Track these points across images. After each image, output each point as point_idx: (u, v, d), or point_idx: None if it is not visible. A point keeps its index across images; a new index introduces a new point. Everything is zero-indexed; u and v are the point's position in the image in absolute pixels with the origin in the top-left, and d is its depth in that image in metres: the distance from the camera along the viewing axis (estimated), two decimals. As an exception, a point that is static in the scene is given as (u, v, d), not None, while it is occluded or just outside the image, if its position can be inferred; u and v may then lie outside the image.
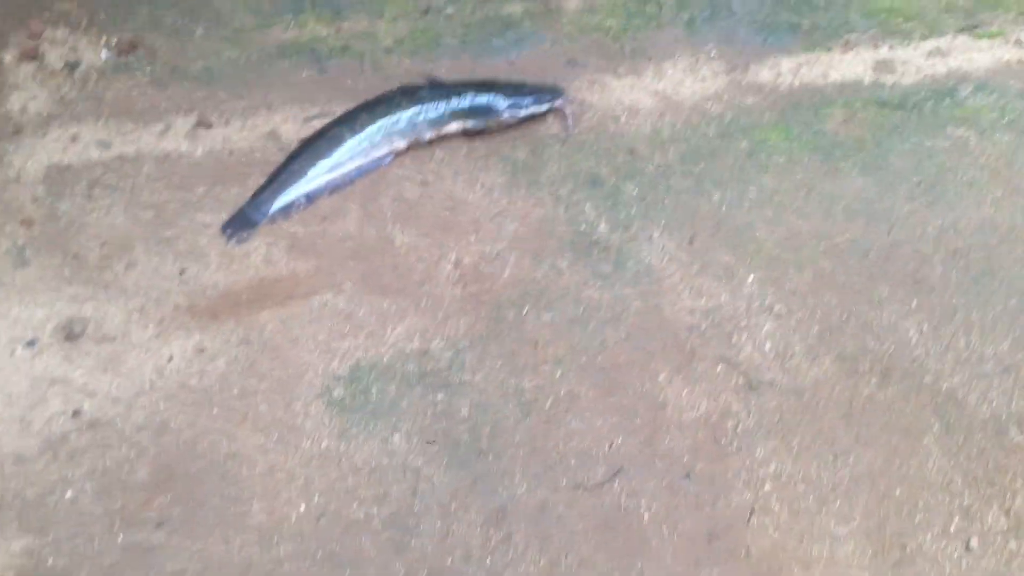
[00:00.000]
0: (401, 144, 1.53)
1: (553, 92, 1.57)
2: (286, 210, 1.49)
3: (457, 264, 1.45)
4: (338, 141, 1.51)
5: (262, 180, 1.52)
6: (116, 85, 1.62)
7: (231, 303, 1.41)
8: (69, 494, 1.26)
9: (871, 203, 1.53)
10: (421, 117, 1.52)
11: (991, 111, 1.63)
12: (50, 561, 1.21)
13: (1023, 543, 1.24)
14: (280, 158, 1.54)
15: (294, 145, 1.55)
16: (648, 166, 1.56)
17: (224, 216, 1.49)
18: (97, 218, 1.48)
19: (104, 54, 1.66)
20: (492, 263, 1.45)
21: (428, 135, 1.54)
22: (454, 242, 1.47)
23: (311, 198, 1.50)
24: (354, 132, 1.51)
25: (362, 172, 1.52)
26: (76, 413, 1.31)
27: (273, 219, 1.48)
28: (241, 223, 1.48)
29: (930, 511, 1.26)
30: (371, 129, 1.51)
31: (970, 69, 1.70)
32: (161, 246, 1.46)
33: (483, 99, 1.54)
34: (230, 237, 1.46)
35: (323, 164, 1.51)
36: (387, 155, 1.53)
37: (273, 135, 1.57)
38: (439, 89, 1.56)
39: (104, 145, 1.55)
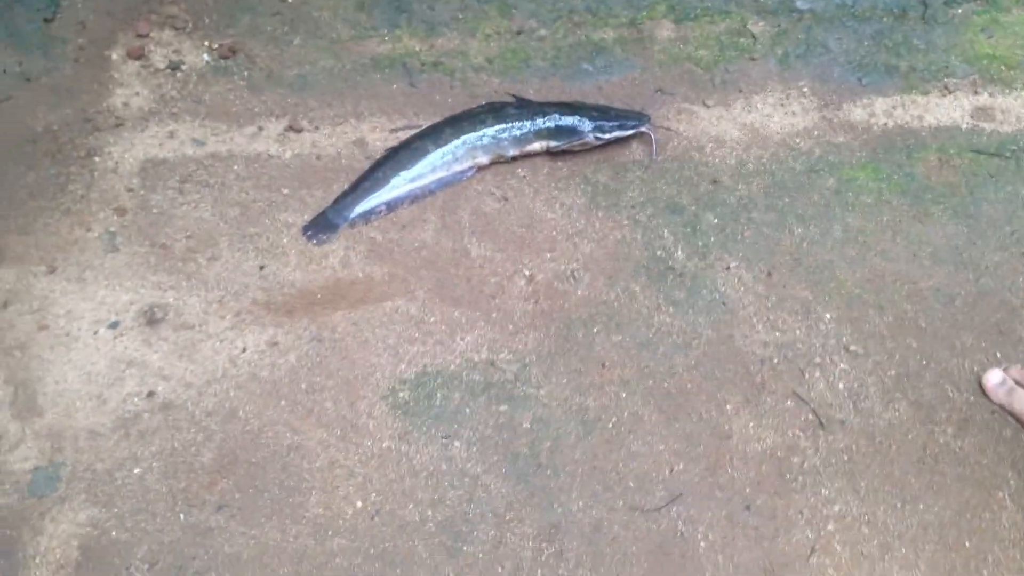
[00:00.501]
0: (484, 159, 1.55)
1: (639, 117, 1.57)
2: (366, 216, 1.51)
3: (530, 280, 1.46)
4: (422, 153, 1.53)
5: (346, 185, 1.55)
6: (214, 87, 1.68)
7: (306, 302, 1.43)
8: (137, 471, 1.29)
9: (960, 250, 1.49)
10: (505, 134, 1.54)
11: (1077, 142, 1.58)
12: (113, 534, 1.24)
13: (1102, 611, 1.18)
14: (365, 165, 1.57)
15: (379, 154, 1.58)
16: (730, 197, 1.54)
17: (307, 217, 1.52)
18: (186, 211, 1.52)
19: (205, 57, 1.72)
20: (565, 281, 1.45)
21: (511, 152, 1.55)
22: (529, 258, 1.48)
23: (392, 206, 1.52)
24: (438, 145, 1.53)
25: (444, 184, 1.54)
26: (150, 395, 1.35)
27: (353, 224, 1.51)
28: (322, 226, 1.51)
29: (1000, 566, 1.21)
30: (455, 143, 1.53)
31: (1072, 121, 1.65)
32: (244, 242, 1.49)
33: (568, 120, 1.55)
34: (311, 238, 1.49)
35: (405, 174, 1.53)
36: (469, 169, 1.55)
37: (360, 143, 1.61)
38: (525, 107, 1.57)
39: (199, 143, 1.60)
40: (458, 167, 1.54)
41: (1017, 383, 1.32)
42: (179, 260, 1.48)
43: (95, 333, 1.40)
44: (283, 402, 1.34)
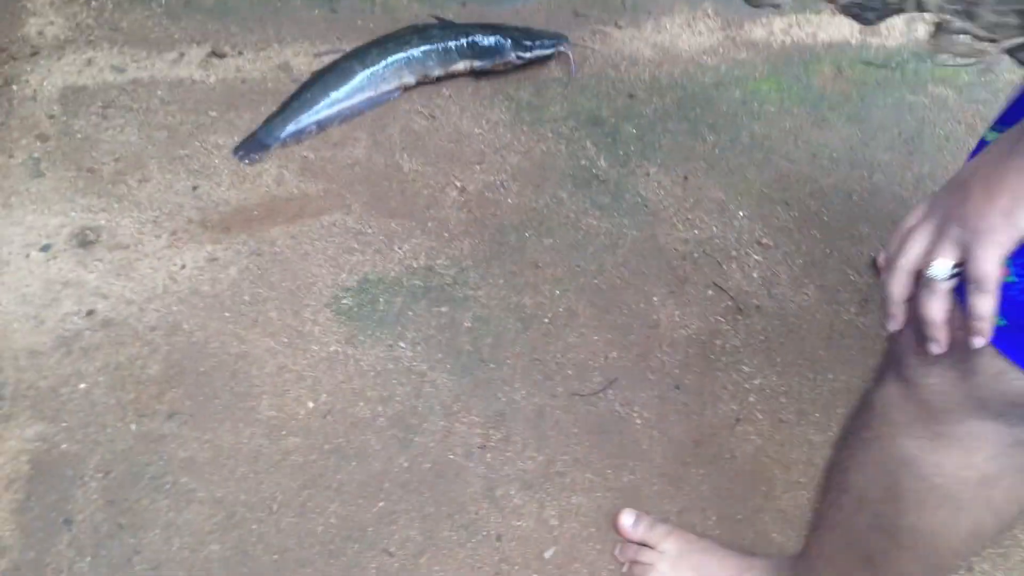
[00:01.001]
0: (410, 79, 1.59)
1: (558, 37, 1.64)
2: (297, 135, 1.54)
3: (462, 191, 1.51)
4: (350, 73, 1.57)
5: (274, 108, 1.57)
6: (131, 15, 1.67)
7: (243, 218, 1.46)
8: (82, 386, 1.29)
9: (854, 151, 1.61)
10: (431, 54, 1.59)
11: (969, 73, 1.72)
12: (63, 446, 1.25)
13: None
14: (291, 89, 1.59)
15: (305, 78, 1.61)
16: (646, 109, 1.63)
17: (236, 139, 1.53)
18: (111, 136, 1.52)
19: (120, -14, 1.71)
20: (496, 191, 1.51)
21: (436, 72, 1.60)
22: (459, 171, 1.53)
23: (322, 126, 1.55)
24: (365, 65, 1.57)
25: (372, 104, 1.58)
26: (90, 313, 1.35)
27: (284, 143, 1.53)
28: (253, 146, 1.53)
29: (906, 427, 1.33)
30: (382, 63, 1.57)
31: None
32: (174, 164, 1.50)
33: (491, 40, 1.60)
34: (242, 158, 1.51)
35: (334, 95, 1.56)
36: (396, 89, 1.59)
37: (284, 67, 1.63)
38: (449, 29, 1.62)
39: (118, 70, 1.60)
40: (385, 87, 1.58)
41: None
42: (108, 183, 1.48)
43: (27, 256, 1.40)
44: (227, 314, 1.37)
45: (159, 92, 1.58)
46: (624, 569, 1.19)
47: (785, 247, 1.49)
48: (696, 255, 1.47)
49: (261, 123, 1.54)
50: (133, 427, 1.27)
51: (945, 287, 0.68)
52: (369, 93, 1.57)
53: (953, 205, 0.67)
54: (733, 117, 1.63)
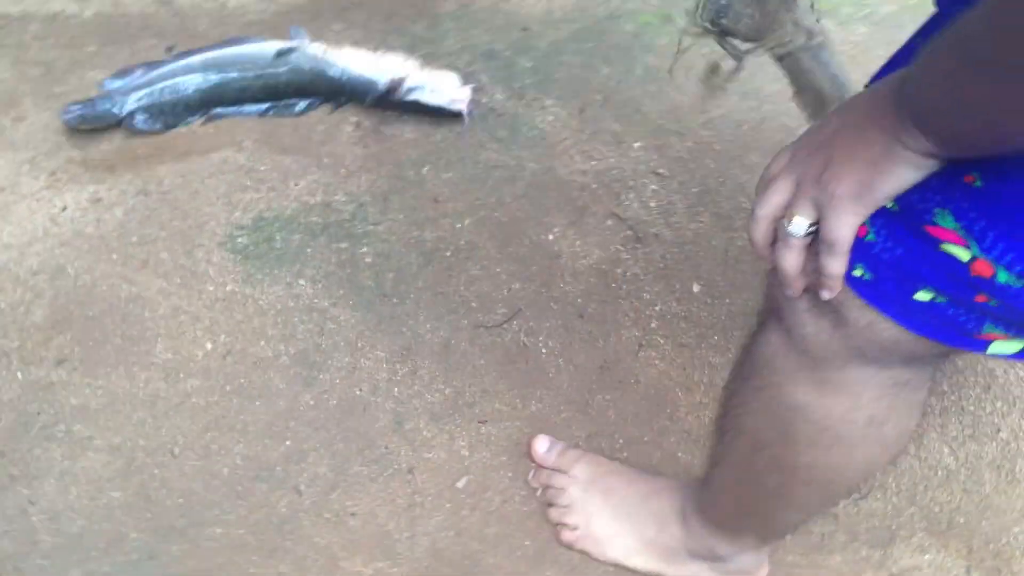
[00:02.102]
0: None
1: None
2: (142, 121, 1.42)
3: (358, 126, 1.48)
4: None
5: (154, 41, 1.50)
6: (-7, -54, 1.57)
7: (127, 157, 1.40)
8: (-39, 335, 1.23)
9: (743, 82, 1.63)
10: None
11: (848, 6, 1.77)
12: (-56, 398, 1.18)
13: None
14: (173, 24, 1.53)
15: (187, 9, 1.54)
16: (541, 42, 1.62)
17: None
18: (-20, 73, 1.43)
19: (-21, -85, 1.60)
20: (392, 126, 1.49)
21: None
22: (352, 106, 1.50)
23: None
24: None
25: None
26: (-35, 258, 1.28)
27: (128, 124, 1.42)
28: (88, 109, 1.41)
29: (799, 345, 1.38)
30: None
31: (830, -30, 1.84)
32: (51, 101, 1.43)
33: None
34: (72, 122, 1.40)
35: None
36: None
37: (164, 0, 1.56)
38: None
39: (-17, 4, 1.50)
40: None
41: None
42: (-21, 123, 1.39)
43: None
44: (114, 256, 1.32)
45: (32, 27, 1.49)
46: (538, 494, 1.21)
47: (680, 176, 1.52)
48: (594, 186, 1.48)
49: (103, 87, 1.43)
50: (19, 375, 1.21)
51: (800, 243, 0.70)
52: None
53: (814, 165, 0.68)
54: (626, 50, 1.64)
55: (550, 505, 1.19)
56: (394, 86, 1.46)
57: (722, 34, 1.13)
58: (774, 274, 0.76)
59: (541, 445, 1.22)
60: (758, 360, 0.87)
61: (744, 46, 1.14)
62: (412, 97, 1.47)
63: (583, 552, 1.16)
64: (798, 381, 0.83)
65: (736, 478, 1.00)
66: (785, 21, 1.06)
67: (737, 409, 0.93)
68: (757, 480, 0.95)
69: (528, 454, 1.22)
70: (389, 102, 1.48)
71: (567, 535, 1.16)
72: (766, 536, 1.08)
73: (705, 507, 1.08)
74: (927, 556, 1.22)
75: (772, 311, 0.83)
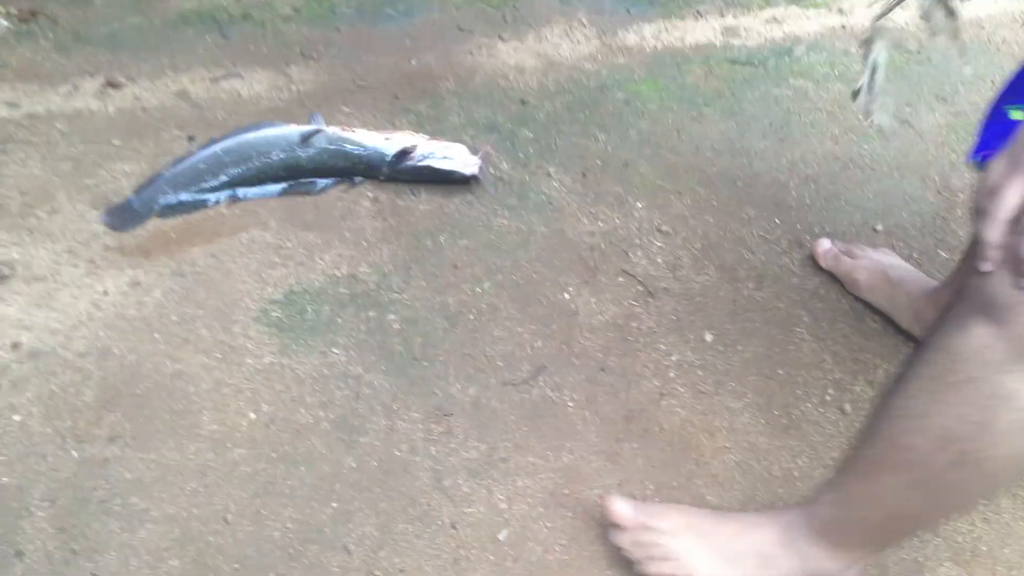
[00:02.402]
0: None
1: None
2: (175, 209, 1.49)
3: (375, 200, 1.56)
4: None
5: (176, 132, 1.58)
6: (20, 51, 1.65)
7: (161, 242, 1.46)
8: (17, 418, 1.27)
9: (733, 141, 1.75)
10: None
11: (823, 66, 1.89)
12: (4, 480, 1.22)
13: (885, 404, 1.45)
14: (192, 115, 1.61)
15: (205, 103, 1.62)
16: (539, 114, 1.72)
17: (142, 166, 1.54)
18: (15, 170, 1.50)
19: (4, 23, 1.68)
20: (407, 199, 1.57)
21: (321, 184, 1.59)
22: (370, 182, 1.58)
23: (200, 205, 1.52)
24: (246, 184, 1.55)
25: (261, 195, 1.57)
26: (15, 345, 1.33)
27: (163, 214, 1.49)
28: (126, 214, 1.46)
29: (808, 385, 1.46)
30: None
31: (802, 33, 1.97)
32: (83, 193, 1.49)
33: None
34: (112, 226, 1.45)
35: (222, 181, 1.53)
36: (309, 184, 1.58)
37: (183, 94, 1.64)
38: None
39: (13, 105, 1.58)
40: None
41: (841, 252, 1.57)
42: (17, 217, 1.46)
43: (-62, 296, 1.36)
44: (156, 335, 1.37)
45: (58, 125, 1.56)
46: (628, 551, 1.22)
47: (683, 233, 1.61)
48: (603, 246, 1.57)
49: (135, 190, 1.48)
50: (74, 454, 1.26)
51: None
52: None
53: None
54: (619, 117, 1.74)
55: (648, 560, 1.20)
56: (406, 153, 1.54)
57: None
58: (981, 273, 0.86)
59: (619, 506, 1.23)
60: (961, 355, 0.93)
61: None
62: (426, 163, 1.56)
63: None
64: (1007, 369, 0.89)
65: (901, 483, 1.03)
66: None
67: (919, 410, 0.98)
68: (933, 480, 0.99)
69: (607, 518, 1.24)
70: (404, 171, 1.56)
71: None
72: (888, 545, 1.14)
73: (827, 527, 1.11)
74: (952, 582, 1.29)
75: (978, 306, 0.90)
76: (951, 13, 1.16)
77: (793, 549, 1.14)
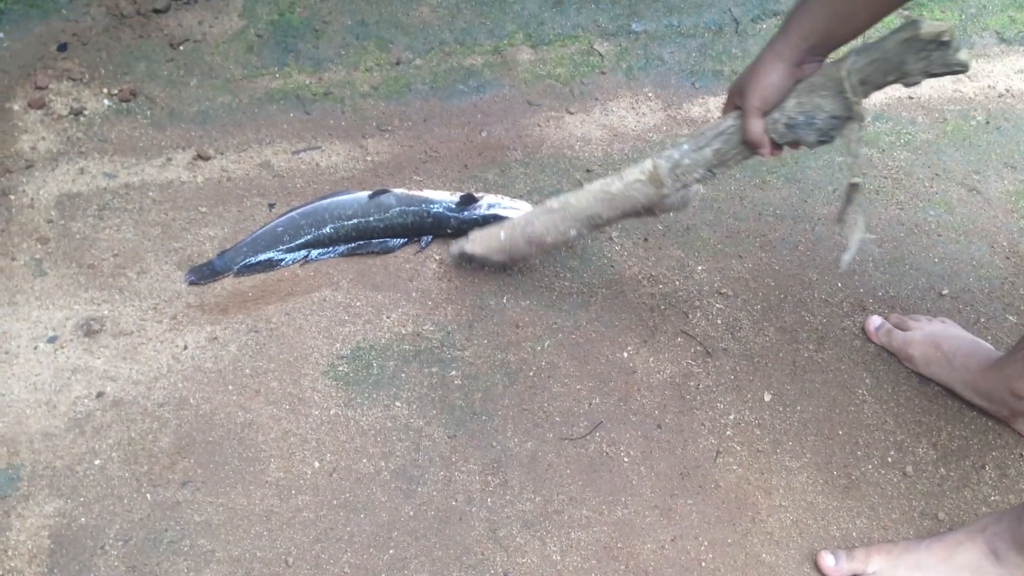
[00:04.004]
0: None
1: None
2: (250, 268, 1.60)
3: (441, 263, 1.63)
4: (316, 226, 1.63)
5: (258, 199, 1.68)
6: (119, 127, 1.79)
7: (238, 300, 1.55)
8: (97, 463, 1.35)
9: (795, 207, 1.76)
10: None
11: (888, 135, 1.91)
12: (82, 520, 1.30)
13: (951, 468, 1.42)
14: (274, 184, 1.71)
15: (285, 173, 1.73)
16: (603, 182, 1.78)
17: (225, 230, 1.64)
18: (109, 234, 1.62)
19: (106, 102, 1.83)
20: (472, 262, 1.63)
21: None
22: (437, 246, 1.65)
23: (274, 264, 1.62)
24: (337, 232, 1.64)
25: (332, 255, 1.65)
26: (100, 395, 1.42)
27: (239, 273, 1.60)
28: (206, 272, 1.59)
29: (869, 447, 1.45)
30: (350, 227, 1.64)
31: (867, 104, 1.98)
32: (170, 256, 1.60)
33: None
34: (193, 283, 1.57)
35: (297, 244, 1.63)
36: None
37: (266, 165, 1.75)
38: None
39: (110, 176, 1.71)
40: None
41: (894, 326, 1.57)
42: (109, 277, 1.56)
43: (35, 348, 1.47)
44: (230, 387, 1.45)
45: (150, 193, 1.68)
46: None
47: (743, 295, 1.62)
48: (663, 307, 1.60)
49: (219, 252, 1.61)
50: (148, 496, 1.33)
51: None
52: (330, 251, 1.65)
53: None
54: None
55: None
56: (473, 200, 1.63)
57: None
58: None
59: (829, 560, 1.31)
60: None
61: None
62: (492, 212, 1.63)
63: None
64: None
65: None
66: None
67: None
68: None
69: (822, 573, 1.31)
70: (471, 222, 1.62)
71: None
72: None
73: None
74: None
75: None
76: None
77: (1000, 559, 1.19)
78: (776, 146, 1.27)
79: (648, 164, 1.38)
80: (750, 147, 1.29)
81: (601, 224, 1.47)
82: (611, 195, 1.43)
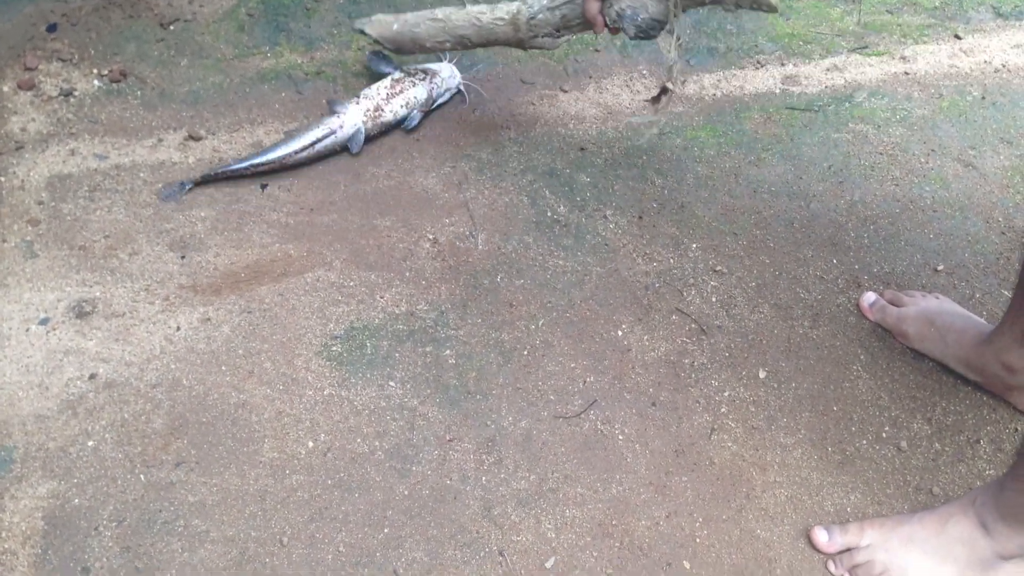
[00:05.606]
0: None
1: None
2: (211, 178, 1.68)
3: (435, 243, 1.62)
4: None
5: (250, 181, 1.67)
6: (109, 108, 1.78)
7: (231, 281, 1.54)
8: (90, 444, 1.35)
9: (790, 184, 1.76)
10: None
11: (884, 111, 1.90)
12: (76, 501, 1.29)
13: (945, 443, 1.42)
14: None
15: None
16: (597, 160, 1.77)
17: (215, 211, 1.63)
18: (100, 216, 1.61)
19: (96, 83, 1.81)
20: (466, 241, 1.62)
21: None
22: (430, 225, 1.64)
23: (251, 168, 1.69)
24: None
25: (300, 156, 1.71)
26: (92, 376, 1.42)
27: (204, 181, 1.68)
28: (174, 187, 1.68)
29: (864, 422, 1.45)
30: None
31: (863, 81, 1.98)
32: (161, 237, 1.59)
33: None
34: (165, 198, 1.65)
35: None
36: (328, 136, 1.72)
37: (257, 145, 1.74)
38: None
39: (101, 157, 1.69)
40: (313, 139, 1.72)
41: (889, 302, 1.56)
42: (100, 258, 1.55)
43: (27, 330, 1.46)
44: (223, 368, 1.44)
45: (142, 174, 1.67)
46: None
47: (738, 272, 1.62)
48: (657, 285, 1.59)
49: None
50: (142, 477, 1.32)
51: None
52: (299, 144, 1.70)
53: None
54: (677, 162, 1.77)
55: None
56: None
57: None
58: None
59: (822, 535, 1.31)
60: None
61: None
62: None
63: None
64: None
65: None
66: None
67: None
68: None
69: (815, 548, 1.30)
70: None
71: None
72: None
73: (1013, 509, 1.17)
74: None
75: None
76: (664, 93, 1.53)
77: (992, 532, 1.20)
78: (608, 27, 1.51)
79: (514, 7, 1.62)
80: (588, 22, 1.53)
81: (470, 46, 1.72)
82: (480, 24, 1.66)
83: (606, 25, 1.51)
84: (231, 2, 1.96)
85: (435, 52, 1.79)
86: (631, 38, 1.51)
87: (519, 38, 1.64)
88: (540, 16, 1.59)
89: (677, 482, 1.37)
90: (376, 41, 1.77)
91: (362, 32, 1.77)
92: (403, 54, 1.81)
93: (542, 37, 1.62)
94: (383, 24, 1.75)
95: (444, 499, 1.33)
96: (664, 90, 1.53)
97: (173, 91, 1.81)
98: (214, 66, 1.86)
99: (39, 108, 1.76)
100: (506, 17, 1.62)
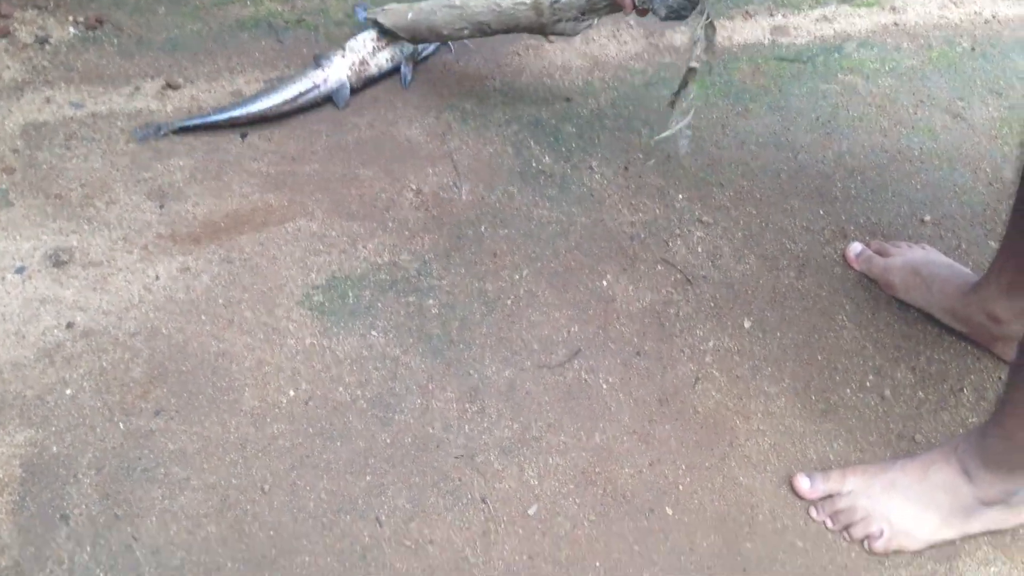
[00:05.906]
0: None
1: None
2: (189, 128, 1.66)
3: (418, 192, 1.60)
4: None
5: (229, 130, 1.65)
6: (85, 55, 1.74)
7: (211, 230, 1.52)
8: (68, 392, 1.33)
9: (778, 135, 1.74)
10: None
11: (873, 62, 1.88)
12: (54, 449, 1.28)
13: (928, 392, 1.42)
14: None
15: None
16: (583, 110, 1.75)
17: (194, 160, 1.60)
18: (76, 164, 1.58)
19: (72, 30, 1.78)
20: (450, 191, 1.60)
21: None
22: (414, 175, 1.62)
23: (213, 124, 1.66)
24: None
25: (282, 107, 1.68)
26: (69, 325, 1.40)
27: (177, 131, 1.65)
28: (150, 128, 1.65)
29: (848, 372, 1.44)
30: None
31: (853, 31, 1.95)
32: (139, 185, 1.56)
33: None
34: (141, 138, 1.63)
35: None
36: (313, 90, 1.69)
37: (237, 94, 1.71)
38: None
39: (77, 105, 1.66)
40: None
41: (875, 252, 1.55)
42: (77, 207, 1.53)
43: (2, 279, 1.44)
44: (203, 317, 1.42)
45: (118, 123, 1.64)
46: (828, 524, 1.28)
47: (724, 223, 1.60)
48: (643, 235, 1.58)
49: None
50: (121, 426, 1.31)
51: None
52: (281, 98, 1.67)
53: None
54: (663, 112, 1.75)
55: (851, 526, 1.26)
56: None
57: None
58: None
59: (804, 482, 1.30)
60: None
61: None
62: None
63: (899, 550, 1.25)
64: None
65: None
66: None
67: None
68: None
69: (797, 494, 1.30)
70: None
71: (878, 544, 1.25)
72: None
73: (999, 457, 1.18)
74: (992, 569, 1.25)
75: None
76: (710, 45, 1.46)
77: (973, 479, 1.20)
78: (636, 8, 1.47)
79: None
80: (615, 3, 1.49)
81: (489, 33, 1.64)
82: (500, 9, 1.59)
83: (635, 6, 1.47)
84: (210, -51, 1.92)
85: (452, 40, 1.73)
86: (662, 19, 1.46)
87: (541, 23, 1.57)
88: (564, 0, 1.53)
89: (661, 430, 1.36)
90: (390, 31, 1.70)
91: (375, 23, 1.72)
92: (419, 43, 1.75)
93: (565, 22, 1.55)
94: (397, 13, 1.69)
95: (427, 447, 1.32)
96: (690, 71, 1.47)
97: (150, 39, 1.78)
98: (192, 13, 1.82)
99: (13, 56, 1.73)
100: (528, 1, 1.55)
